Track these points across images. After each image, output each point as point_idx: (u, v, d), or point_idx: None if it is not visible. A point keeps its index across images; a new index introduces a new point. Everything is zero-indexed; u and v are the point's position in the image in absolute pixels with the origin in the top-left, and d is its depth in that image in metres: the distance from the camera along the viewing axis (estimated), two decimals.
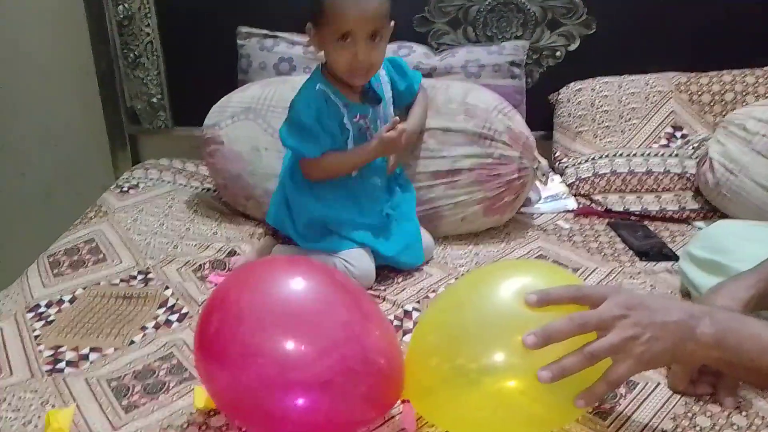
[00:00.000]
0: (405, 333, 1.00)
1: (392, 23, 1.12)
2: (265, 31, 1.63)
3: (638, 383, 0.88)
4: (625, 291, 0.74)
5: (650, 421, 0.81)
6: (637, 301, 0.69)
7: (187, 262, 1.21)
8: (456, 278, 1.16)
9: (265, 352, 0.69)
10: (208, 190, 1.56)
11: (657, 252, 1.28)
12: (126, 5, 1.64)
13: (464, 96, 1.34)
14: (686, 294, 1.11)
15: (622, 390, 0.86)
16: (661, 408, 0.83)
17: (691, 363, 0.73)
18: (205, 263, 1.20)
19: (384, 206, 1.20)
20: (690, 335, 0.67)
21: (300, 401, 0.68)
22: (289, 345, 0.69)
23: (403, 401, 0.80)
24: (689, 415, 0.82)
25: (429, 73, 1.54)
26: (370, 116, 1.16)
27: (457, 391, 0.72)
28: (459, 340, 0.73)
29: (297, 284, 0.75)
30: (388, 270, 1.19)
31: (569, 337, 0.67)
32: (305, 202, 1.16)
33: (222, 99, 1.45)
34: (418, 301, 1.09)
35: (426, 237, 1.25)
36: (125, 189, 1.53)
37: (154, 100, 1.74)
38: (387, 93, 1.22)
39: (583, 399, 0.68)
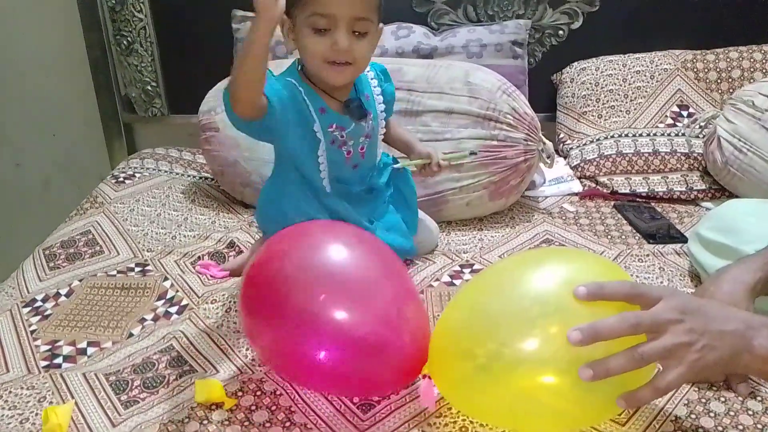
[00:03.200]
0: None
1: (381, 25, 0.97)
2: None
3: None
4: (682, 294, 0.70)
5: (664, 406, 0.79)
6: (695, 306, 0.66)
7: (185, 254, 1.18)
8: (460, 265, 1.14)
9: (309, 310, 0.74)
10: (206, 178, 1.53)
11: (664, 234, 1.25)
12: None
13: (466, 76, 1.31)
14: (695, 276, 1.09)
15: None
16: (674, 394, 0.81)
17: (745, 374, 0.70)
18: (204, 254, 1.18)
19: (364, 217, 1.06)
20: (746, 347, 0.64)
21: (333, 357, 0.74)
22: (334, 306, 0.74)
23: (424, 376, 0.78)
24: (703, 400, 0.80)
25: (430, 54, 1.51)
26: (349, 130, 0.98)
27: (481, 377, 0.69)
28: (490, 326, 0.70)
29: (341, 251, 0.80)
30: None
31: (618, 337, 0.64)
32: (281, 209, 1.00)
33: (218, 84, 1.42)
34: (422, 291, 1.07)
35: (431, 225, 1.21)
36: (121, 179, 1.51)
37: (149, 87, 1.71)
38: (379, 106, 1.04)
39: (626, 401, 0.64)
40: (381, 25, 0.96)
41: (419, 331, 0.77)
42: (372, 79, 1.05)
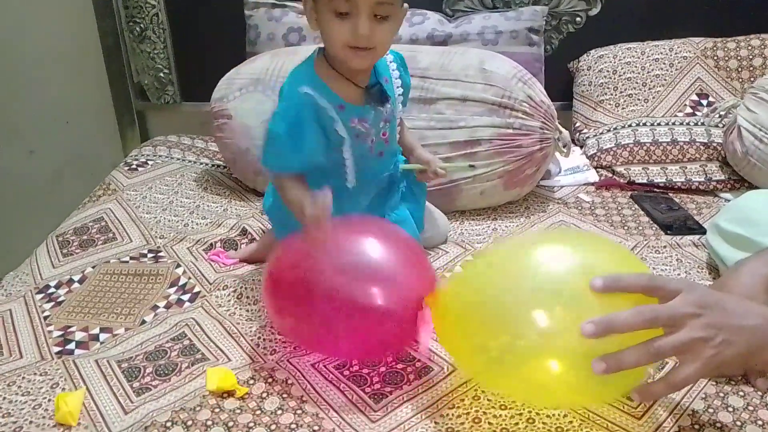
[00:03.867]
0: None
1: (405, 5, 0.94)
2: (273, 1, 1.58)
3: (668, 362, 0.84)
4: (700, 288, 0.68)
5: (681, 400, 0.78)
6: (713, 300, 0.64)
7: (198, 241, 1.18)
8: (472, 255, 1.13)
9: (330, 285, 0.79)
10: (218, 166, 1.53)
11: (681, 225, 1.23)
12: None
13: (481, 63, 1.29)
14: (713, 268, 1.07)
15: (650, 370, 0.83)
16: (692, 388, 0.80)
17: (764, 370, 0.68)
18: (216, 242, 1.17)
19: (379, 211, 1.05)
20: (763, 343, 0.63)
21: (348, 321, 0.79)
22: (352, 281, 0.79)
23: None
24: (721, 395, 0.78)
25: (444, 41, 1.49)
26: (371, 120, 0.96)
27: (494, 369, 0.70)
28: (504, 316, 0.69)
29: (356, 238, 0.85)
30: None
31: (633, 331, 0.62)
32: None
33: (230, 71, 1.41)
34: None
35: (440, 219, 1.19)
36: (134, 166, 1.50)
37: (162, 74, 1.70)
38: (397, 90, 1.03)
39: (639, 395, 0.63)
40: (405, 5, 0.94)
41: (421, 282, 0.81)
42: (391, 62, 1.03)
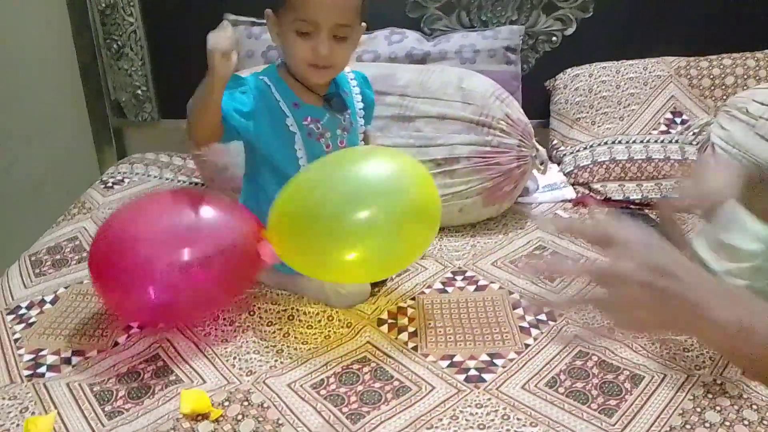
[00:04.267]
0: (400, 330, 0.96)
1: (363, 24, 0.99)
2: (252, 19, 1.58)
3: (644, 377, 0.85)
4: (653, 244, 0.64)
5: (658, 417, 0.78)
6: (662, 260, 0.58)
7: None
8: (453, 272, 1.13)
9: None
10: (196, 184, 1.52)
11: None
12: None
13: (459, 81, 1.30)
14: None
15: (627, 385, 0.83)
16: (669, 403, 0.80)
17: (696, 338, 0.67)
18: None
19: None
20: (702, 316, 0.61)
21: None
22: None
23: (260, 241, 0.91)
24: (698, 410, 0.79)
25: (423, 59, 1.50)
26: (324, 121, 1.01)
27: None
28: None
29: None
30: None
31: (573, 275, 0.64)
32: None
33: None
34: (413, 297, 1.05)
35: None
36: (110, 184, 1.49)
37: (139, 92, 1.69)
38: (357, 104, 1.08)
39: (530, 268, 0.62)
40: (363, 24, 0.99)
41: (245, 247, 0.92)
42: (352, 79, 1.09)
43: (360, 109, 1.08)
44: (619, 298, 0.59)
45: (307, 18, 0.91)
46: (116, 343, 0.94)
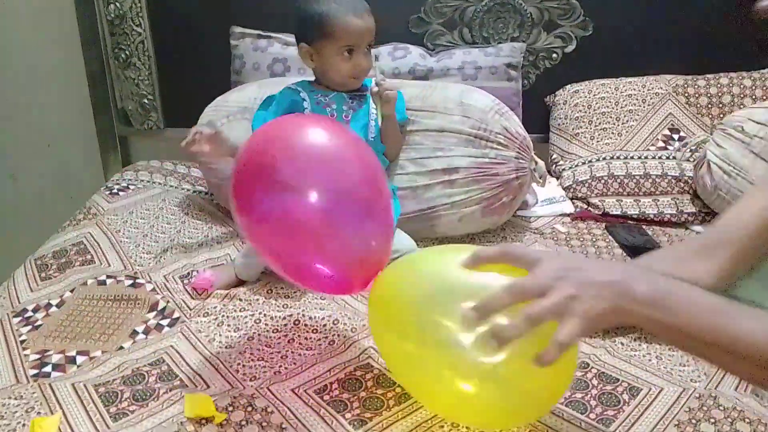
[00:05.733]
0: None
1: None
2: (258, 32, 1.61)
3: (641, 389, 0.86)
4: (561, 254, 0.70)
5: (654, 427, 0.80)
6: (576, 264, 0.66)
7: (176, 268, 1.18)
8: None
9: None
10: (200, 192, 1.54)
11: (651, 247, 1.26)
12: (117, 4, 1.62)
13: (460, 96, 1.33)
14: None
15: (625, 396, 0.85)
16: (665, 414, 0.82)
17: (631, 322, 0.70)
18: (192, 271, 1.17)
19: None
20: (627, 293, 0.64)
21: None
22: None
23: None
24: (693, 422, 0.80)
25: (425, 75, 1.53)
26: (331, 96, 1.23)
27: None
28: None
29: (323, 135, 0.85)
30: None
31: (510, 306, 0.64)
32: None
33: (218, 98, 1.43)
34: None
35: (406, 242, 1.22)
36: (115, 191, 1.50)
37: (146, 100, 1.72)
38: (374, 104, 1.25)
39: (538, 360, 0.63)
40: None
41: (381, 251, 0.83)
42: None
43: (374, 110, 1.25)
44: (554, 303, 0.62)
45: (351, 43, 1.17)
46: (121, 348, 0.96)
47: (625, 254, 1.28)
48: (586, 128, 1.56)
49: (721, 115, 1.51)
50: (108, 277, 1.13)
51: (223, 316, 1.02)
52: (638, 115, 1.55)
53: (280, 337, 0.97)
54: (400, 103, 1.31)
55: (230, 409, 0.82)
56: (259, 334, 0.98)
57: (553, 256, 0.68)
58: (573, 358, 0.74)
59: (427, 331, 0.70)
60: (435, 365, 0.71)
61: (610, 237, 1.36)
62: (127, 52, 1.67)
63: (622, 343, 0.97)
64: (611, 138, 1.54)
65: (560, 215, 1.45)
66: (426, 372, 0.72)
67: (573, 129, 1.57)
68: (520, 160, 1.28)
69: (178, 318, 1.03)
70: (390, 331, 0.77)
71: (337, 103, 1.23)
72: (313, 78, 1.28)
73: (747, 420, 0.80)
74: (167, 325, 1.01)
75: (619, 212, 1.43)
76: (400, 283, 0.78)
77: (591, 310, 0.62)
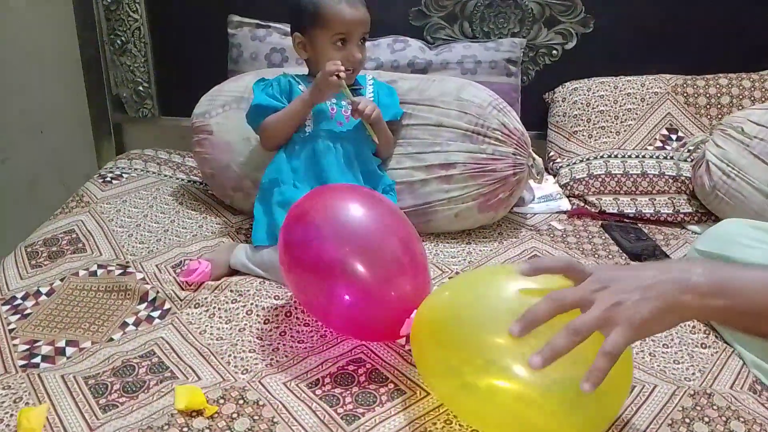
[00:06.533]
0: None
1: None
2: (257, 21, 1.59)
3: (634, 386, 0.86)
4: (608, 266, 0.70)
5: (648, 426, 0.79)
6: (616, 273, 0.66)
7: (169, 258, 1.17)
8: (449, 277, 1.14)
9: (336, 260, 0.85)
10: (194, 182, 1.52)
11: (649, 254, 1.26)
12: None
13: (458, 91, 1.32)
14: None
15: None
16: (658, 413, 0.81)
17: (690, 317, 0.69)
18: (186, 260, 1.16)
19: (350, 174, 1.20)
20: (685, 287, 0.63)
21: (347, 299, 0.85)
22: (353, 258, 0.85)
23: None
24: (686, 421, 0.80)
25: (424, 68, 1.51)
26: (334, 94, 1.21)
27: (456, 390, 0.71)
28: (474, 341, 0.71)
29: (362, 211, 0.91)
30: None
31: (551, 318, 0.64)
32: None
33: (214, 88, 1.41)
34: None
35: None
36: (108, 179, 1.49)
37: (141, 88, 1.70)
38: (369, 95, 1.26)
39: (588, 381, 0.62)
40: None
41: (417, 290, 0.87)
42: (369, 80, 1.30)
43: (370, 98, 1.24)
44: (596, 314, 0.62)
45: (343, 32, 1.16)
46: (111, 339, 0.94)
47: (620, 251, 1.28)
48: (585, 126, 1.55)
49: (720, 116, 1.51)
50: (99, 266, 1.11)
51: (214, 307, 1.01)
52: (637, 114, 1.54)
53: (271, 329, 0.96)
54: (393, 98, 1.30)
55: (221, 401, 0.81)
56: (250, 326, 0.97)
57: (600, 268, 0.68)
58: (628, 357, 0.72)
59: (485, 355, 0.69)
60: (497, 392, 0.68)
61: (606, 235, 1.35)
62: (122, 39, 1.64)
63: None
64: (609, 136, 1.53)
65: (557, 212, 1.45)
66: (486, 398, 0.69)
67: (571, 126, 1.57)
68: (518, 157, 1.28)
69: (168, 309, 1.02)
70: (442, 362, 0.74)
71: (338, 98, 1.22)
72: (307, 72, 1.26)
73: (742, 419, 0.80)
74: (158, 317, 1.00)
75: (615, 210, 1.43)
76: (449, 310, 0.76)
77: (636, 314, 0.62)
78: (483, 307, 0.73)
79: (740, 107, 1.51)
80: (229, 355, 0.91)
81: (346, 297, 0.85)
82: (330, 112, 1.21)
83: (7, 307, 1.01)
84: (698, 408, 0.82)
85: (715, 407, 0.82)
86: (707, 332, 1.00)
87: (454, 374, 0.71)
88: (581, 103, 1.57)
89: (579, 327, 0.62)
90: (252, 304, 1.02)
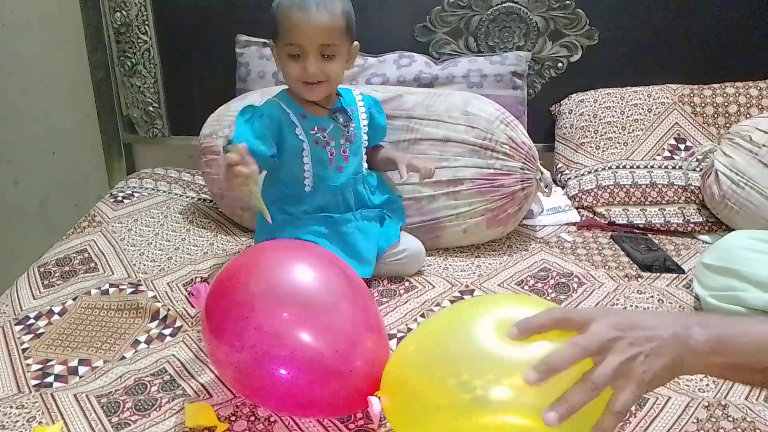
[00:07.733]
0: None
1: (356, 44, 1.12)
2: (264, 40, 1.61)
3: (648, 398, 0.85)
4: (611, 310, 0.69)
5: None
6: (630, 320, 0.65)
7: (180, 276, 1.18)
8: (460, 291, 1.14)
9: (265, 328, 0.73)
10: (204, 200, 1.53)
11: (660, 265, 1.25)
12: (124, 12, 1.62)
13: (465, 105, 1.32)
14: (698, 309, 1.09)
15: (632, 407, 0.83)
16: (673, 425, 0.81)
17: (687, 373, 0.69)
18: (197, 278, 1.17)
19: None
20: (685, 347, 0.63)
21: (285, 374, 0.72)
22: (291, 325, 0.74)
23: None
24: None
25: (430, 83, 1.52)
26: (329, 130, 1.12)
27: (448, 415, 0.64)
28: (455, 362, 0.66)
29: (306, 272, 0.80)
30: (388, 281, 1.17)
31: (572, 364, 0.62)
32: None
33: (220, 108, 1.43)
34: (422, 314, 1.06)
35: (414, 243, 1.21)
36: (120, 198, 1.50)
37: (151, 108, 1.72)
38: (362, 121, 1.19)
39: None
40: (356, 43, 1.12)
41: (376, 360, 0.75)
42: (360, 100, 1.21)
43: (365, 125, 1.19)
44: (617, 363, 0.61)
45: (294, 42, 1.04)
46: (123, 357, 0.95)
47: (631, 262, 1.27)
48: (592, 137, 1.56)
49: (728, 125, 1.50)
50: (111, 285, 1.12)
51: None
52: (644, 124, 1.54)
53: None
54: (382, 115, 1.24)
55: (233, 418, 0.81)
56: None
57: (606, 312, 0.66)
58: None
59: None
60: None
61: (616, 246, 1.35)
62: (132, 60, 1.67)
63: None
64: (617, 147, 1.53)
65: (566, 224, 1.45)
66: None
67: (578, 138, 1.57)
68: (526, 171, 1.28)
69: (180, 327, 1.02)
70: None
71: (335, 137, 1.12)
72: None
73: (758, 431, 0.79)
74: (169, 335, 1.00)
75: (625, 221, 1.43)
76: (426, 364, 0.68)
77: (648, 371, 0.61)
78: (455, 352, 0.67)
79: (748, 116, 1.50)
80: None
81: (283, 371, 0.72)
82: (329, 158, 1.12)
83: (20, 326, 1.02)
84: (713, 420, 0.81)
85: (730, 419, 0.81)
86: None
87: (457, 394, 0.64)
88: (588, 115, 1.57)
89: (598, 381, 0.60)
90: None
